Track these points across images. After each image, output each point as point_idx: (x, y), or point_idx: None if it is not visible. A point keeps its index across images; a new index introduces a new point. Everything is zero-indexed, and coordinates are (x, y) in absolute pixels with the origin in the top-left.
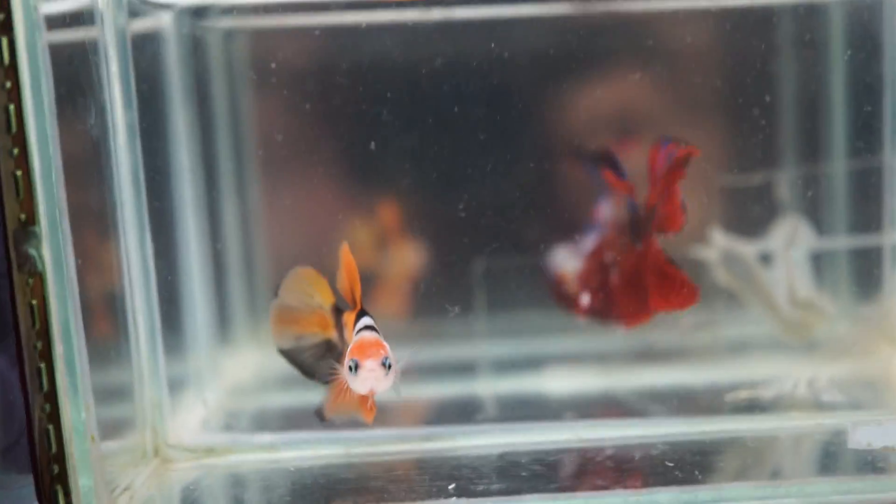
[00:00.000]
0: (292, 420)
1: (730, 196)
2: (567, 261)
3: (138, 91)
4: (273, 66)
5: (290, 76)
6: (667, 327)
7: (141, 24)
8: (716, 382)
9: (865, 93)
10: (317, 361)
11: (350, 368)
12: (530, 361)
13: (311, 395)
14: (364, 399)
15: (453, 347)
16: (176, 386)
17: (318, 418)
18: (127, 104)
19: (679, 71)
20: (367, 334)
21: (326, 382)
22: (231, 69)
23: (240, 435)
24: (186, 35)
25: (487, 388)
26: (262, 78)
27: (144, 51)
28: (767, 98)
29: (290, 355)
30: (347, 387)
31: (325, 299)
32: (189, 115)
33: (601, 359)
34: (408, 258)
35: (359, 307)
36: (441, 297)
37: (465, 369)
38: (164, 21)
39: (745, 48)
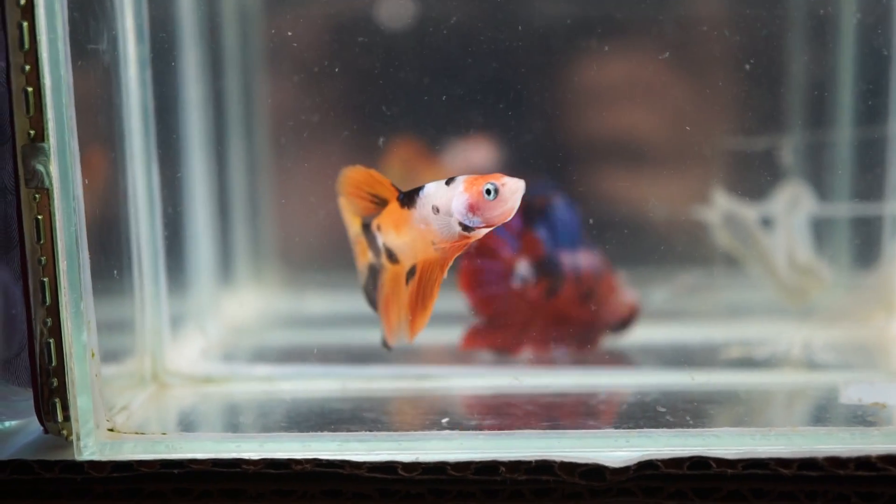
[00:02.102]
0: (300, 355)
1: (734, 159)
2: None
3: (151, 25)
4: (287, 8)
5: (304, 22)
6: (665, 287)
7: None
8: (712, 341)
9: (873, 61)
10: (373, 289)
11: (488, 192)
12: None
13: (309, 335)
14: (420, 300)
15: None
16: (177, 317)
17: (385, 348)
18: (139, 37)
19: (688, 35)
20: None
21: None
22: (244, 9)
23: (238, 365)
24: None
25: None
26: (276, 20)
27: None
28: (775, 63)
29: (365, 293)
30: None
31: (356, 225)
32: (201, 53)
33: None
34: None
35: (396, 192)
36: None
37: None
38: None
39: (753, 13)
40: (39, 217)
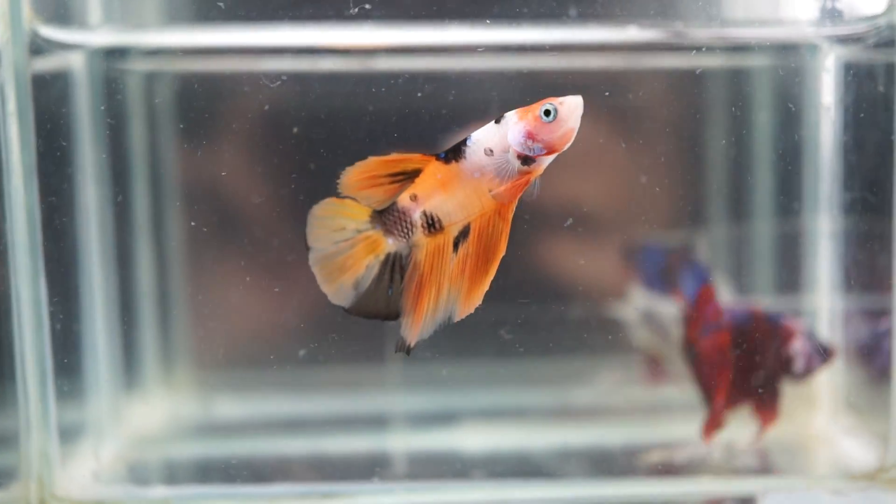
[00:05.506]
0: (203, 472)
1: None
2: None
3: (40, 131)
4: (196, 111)
5: (214, 123)
6: (585, 385)
7: (46, 63)
8: (632, 443)
9: (786, 156)
10: (392, 291)
11: (547, 113)
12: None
13: (227, 445)
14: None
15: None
16: (70, 434)
17: (403, 352)
18: (24, 145)
19: (603, 129)
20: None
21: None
22: (151, 113)
23: (133, 488)
24: (100, 76)
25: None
26: (185, 123)
27: (50, 91)
28: (691, 158)
29: (361, 310)
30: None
31: (360, 217)
32: (102, 157)
33: (518, 415)
34: None
35: (430, 157)
36: None
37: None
38: (73, 61)
39: (668, 108)
40: None
